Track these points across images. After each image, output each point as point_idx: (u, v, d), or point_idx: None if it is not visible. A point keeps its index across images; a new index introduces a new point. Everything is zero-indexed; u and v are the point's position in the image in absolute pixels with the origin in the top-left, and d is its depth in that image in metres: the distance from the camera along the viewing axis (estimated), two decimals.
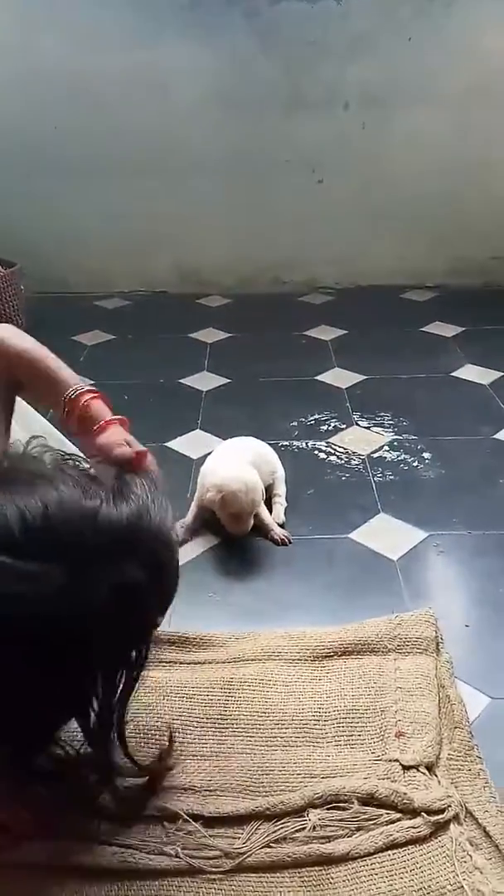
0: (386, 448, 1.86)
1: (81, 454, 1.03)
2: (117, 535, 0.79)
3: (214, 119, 2.78)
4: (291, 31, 2.68)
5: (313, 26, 2.67)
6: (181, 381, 2.28)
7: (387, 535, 1.52)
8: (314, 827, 0.90)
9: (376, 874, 0.85)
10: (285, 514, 1.59)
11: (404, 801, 0.91)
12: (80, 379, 1.09)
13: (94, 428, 1.04)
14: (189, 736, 1.02)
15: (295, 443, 1.89)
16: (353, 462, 1.80)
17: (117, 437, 1.03)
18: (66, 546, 0.76)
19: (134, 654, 0.84)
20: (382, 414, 2.03)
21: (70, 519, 0.77)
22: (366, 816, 0.91)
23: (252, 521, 1.48)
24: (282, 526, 1.54)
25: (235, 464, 1.52)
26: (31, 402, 1.21)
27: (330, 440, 1.90)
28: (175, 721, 1.03)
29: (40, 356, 1.08)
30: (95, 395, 1.07)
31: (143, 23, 2.63)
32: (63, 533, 0.76)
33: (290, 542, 1.49)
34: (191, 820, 0.91)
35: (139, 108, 2.75)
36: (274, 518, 1.55)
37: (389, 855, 0.87)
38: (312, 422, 2.00)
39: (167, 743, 0.98)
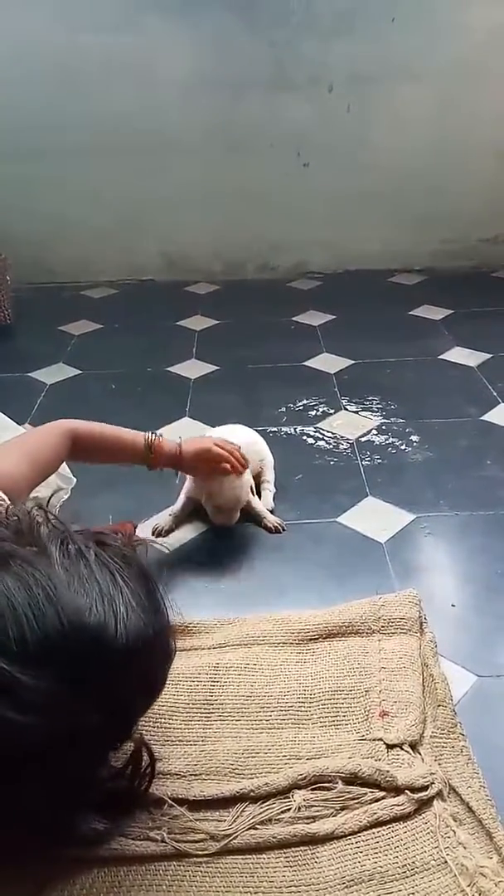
0: (374, 432, 1.86)
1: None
2: (120, 658, 0.73)
3: (198, 101, 2.76)
4: (274, 9, 2.65)
5: (296, 4, 2.64)
6: (169, 369, 2.27)
7: (375, 518, 1.52)
8: (299, 807, 0.90)
9: (361, 852, 0.86)
10: (274, 499, 1.59)
11: (388, 779, 0.92)
12: (137, 433, 1.34)
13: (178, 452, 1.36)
14: (175, 722, 1.02)
15: (283, 428, 1.89)
16: (341, 447, 1.80)
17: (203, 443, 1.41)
18: (59, 668, 0.70)
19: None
20: (371, 398, 2.03)
21: (70, 645, 0.70)
22: (350, 796, 0.91)
23: (238, 515, 1.48)
24: (271, 512, 1.54)
25: None
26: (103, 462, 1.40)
27: (318, 425, 1.90)
28: (161, 707, 1.04)
29: (104, 431, 1.29)
30: (156, 435, 1.35)
31: (123, 1, 2.60)
32: (60, 655, 0.70)
33: (284, 530, 1.49)
34: (175, 805, 0.91)
35: (121, 90, 2.73)
36: (263, 504, 1.55)
37: (374, 833, 0.88)
38: (301, 407, 2.00)
39: (152, 729, 0.98)
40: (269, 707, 1.04)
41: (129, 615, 0.74)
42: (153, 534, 1.49)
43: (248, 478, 1.48)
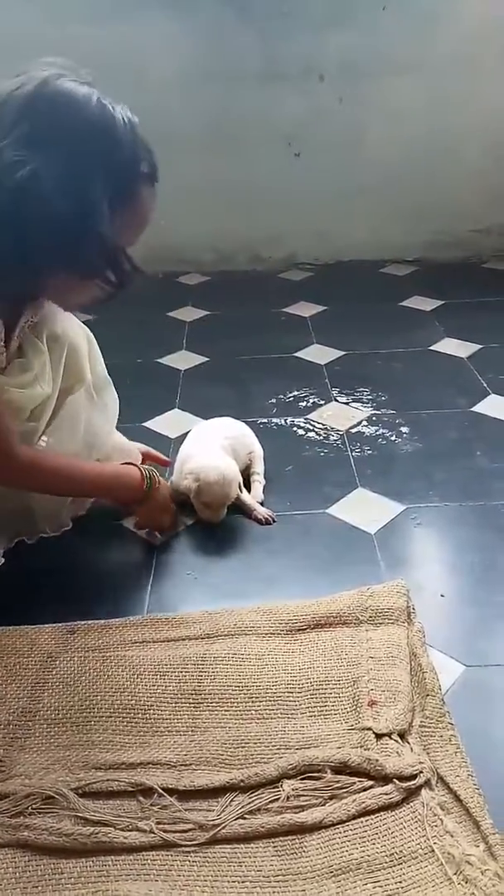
0: (364, 423, 1.86)
1: None
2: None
3: (190, 92, 2.73)
4: (264, 1, 2.62)
5: None
6: (159, 360, 2.26)
7: (364, 508, 1.52)
8: (288, 797, 0.91)
9: (349, 841, 0.86)
10: (264, 491, 1.58)
11: (377, 768, 0.92)
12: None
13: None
14: (163, 712, 1.02)
15: (274, 420, 1.89)
16: (331, 438, 1.80)
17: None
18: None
19: None
20: (361, 389, 2.02)
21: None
22: (339, 785, 0.91)
23: (224, 512, 1.47)
24: (261, 504, 1.54)
25: (215, 451, 1.51)
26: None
27: (308, 416, 1.90)
28: (149, 698, 1.04)
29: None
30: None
31: None
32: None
33: (274, 521, 1.49)
34: (165, 794, 0.91)
35: (112, 81, 2.65)
36: (253, 496, 1.54)
37: (362, 822, 0.88)
38: (291, 398, 2.00)
39: (141, 720, 0.98)
40: (257, 697, 1.04)
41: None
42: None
43: (237, 475, 1.48)
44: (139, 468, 1.38)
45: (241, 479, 1.50)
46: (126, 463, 1.41)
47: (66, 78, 0.99)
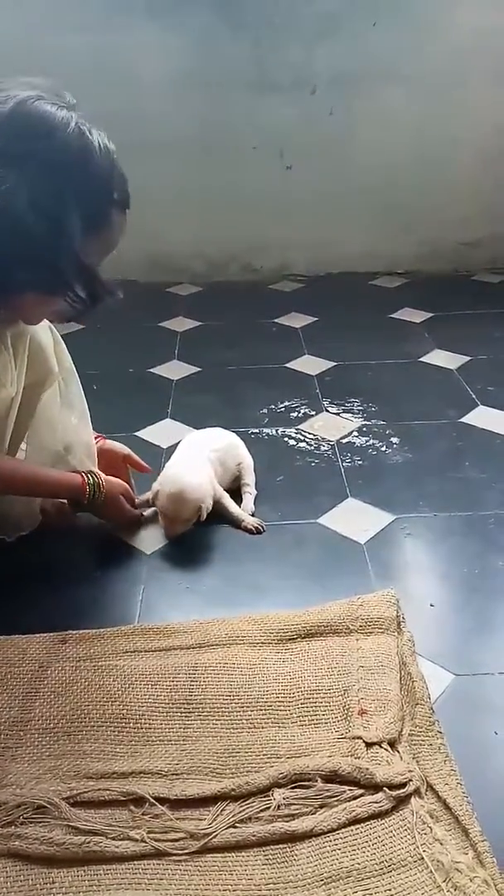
0: (355, 433, 1.87)
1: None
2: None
3: (182, 102, 2.76)
4: (258, 12, 2.66)
5: (279, 7, 2.66)
6: (151, 370, 2.27)
7: (355, 519, 1.54)
8: (279, 806, 0.91)
9: (339, 849, 0.87)
10: (255, 501, 1.59)
11: (367, 776, 0.93)
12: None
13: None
14: (155, 721, 1.03)
15: (265, 430, 1.90)
16: (322, 448, 1.81)
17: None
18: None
19: None
20: (352, 400, 2.04)
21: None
22: (329, 794, 0.92)
23: (181, 529, 1.45)
24: (252, 515, 1.54)
25: (197, 466, 1.50)
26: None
27: (300, 427, 1.91)
28: (140, 707, 1.04)
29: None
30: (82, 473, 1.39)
31: (107, 1, 2.61)
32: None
33: (264, 530, 1.50)
34: (157, 803, 0.91)
35: (105, 90, 2.70)
36: (244, 508, 1.54)
37: (352, 830, 0.89)
38: (282, 409, 2.01)
39: (133, 730, 0.99)
40: (248, 706, 1.05)
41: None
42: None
43: (202, 497, 1.43)
44: (82, 475, 1.37)
45: (209, 503, 1.45)
46: (73, 471, 1.40)
47: (46, 101, 1.00)
